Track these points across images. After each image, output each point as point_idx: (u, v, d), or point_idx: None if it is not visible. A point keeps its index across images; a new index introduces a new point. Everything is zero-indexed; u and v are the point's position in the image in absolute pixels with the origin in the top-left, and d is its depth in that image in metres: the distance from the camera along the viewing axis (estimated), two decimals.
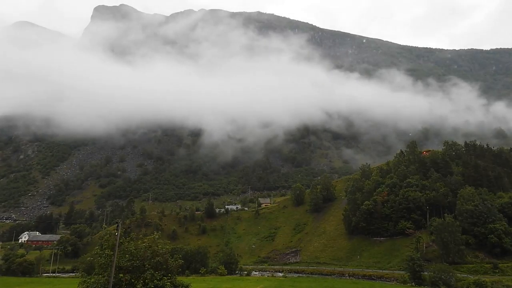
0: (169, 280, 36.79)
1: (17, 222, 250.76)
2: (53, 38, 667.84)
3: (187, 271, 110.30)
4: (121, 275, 35.75)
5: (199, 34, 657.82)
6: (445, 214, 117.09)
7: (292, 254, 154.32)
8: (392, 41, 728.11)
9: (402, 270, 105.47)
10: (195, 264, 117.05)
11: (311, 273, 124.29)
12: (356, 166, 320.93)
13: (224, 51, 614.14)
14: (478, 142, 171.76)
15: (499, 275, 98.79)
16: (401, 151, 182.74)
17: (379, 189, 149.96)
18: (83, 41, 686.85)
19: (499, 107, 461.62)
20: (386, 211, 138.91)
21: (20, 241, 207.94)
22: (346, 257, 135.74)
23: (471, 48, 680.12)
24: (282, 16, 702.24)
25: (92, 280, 36.82)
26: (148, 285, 35.28)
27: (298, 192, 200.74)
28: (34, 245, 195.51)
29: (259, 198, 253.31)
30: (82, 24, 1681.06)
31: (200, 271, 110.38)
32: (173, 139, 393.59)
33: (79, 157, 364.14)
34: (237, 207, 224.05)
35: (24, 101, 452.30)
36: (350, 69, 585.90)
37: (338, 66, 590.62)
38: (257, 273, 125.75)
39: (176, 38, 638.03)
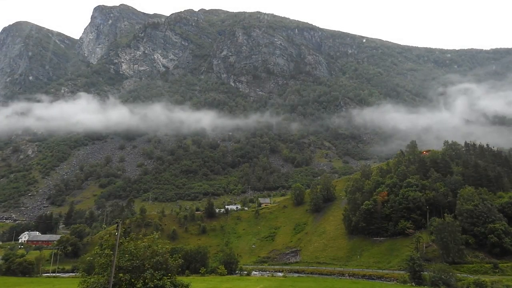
0: (169, 280, 36.78)
1: (17, 222, 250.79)
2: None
3: (187, 271, 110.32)
4: (121, 274, 35.73)
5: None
6: (445, 214, 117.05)
7: (292, 254, 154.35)
8: (392, 41, 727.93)
9: (402, 270, 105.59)
10: (195, 264, 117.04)
11: (311, 273, 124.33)
12: (356, 166, 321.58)
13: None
14: (478, 142, 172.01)
15: (499, 275, 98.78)
16: (401, 151, 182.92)
17: (379, 189, 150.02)
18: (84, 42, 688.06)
19: (499, 107, 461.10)
20: (386, 211, 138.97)
21: (20, 241, 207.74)
22: (346, 257, 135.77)
23: (471, 48, 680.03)
24: (282, 15, 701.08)
25: (92, 280, 36.80)
26: (148, 284, 35.27)
27: (298, 192, 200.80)
28: (34, 245, 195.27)
29: (259, 198, 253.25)
30: (82, 24, 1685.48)
31: (200, 271, 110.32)
32: (173, 139, 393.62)
33: (79, 157, 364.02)
34: (237, 207, 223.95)
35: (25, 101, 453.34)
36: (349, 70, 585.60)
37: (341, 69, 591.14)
38: (257, 273, 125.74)
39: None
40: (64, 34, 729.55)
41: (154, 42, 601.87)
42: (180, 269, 58.48)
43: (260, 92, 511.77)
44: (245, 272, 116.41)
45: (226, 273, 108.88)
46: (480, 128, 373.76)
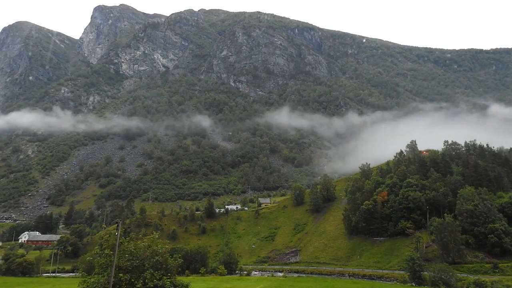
0: (168, 280, 36.72)
1: (17, 222, 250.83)
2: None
3: (187, 271, 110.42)
4: (121, 274, 35.69)
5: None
6: (445, 214, 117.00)
7: (292, 254, 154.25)
8: (392, 41, 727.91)
9: (402, 270, 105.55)
10: (195, 264, 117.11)
11: (311, 273, 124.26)
12: (356, 166, 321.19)
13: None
14: (478, 142, 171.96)
15: (499, 275, 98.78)
16: (401, 151, 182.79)
17: (379, 189, 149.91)
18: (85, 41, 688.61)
19: (499, 107, 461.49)
20: (386, 211, 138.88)
21: (20, 241, 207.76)
22: (346, 257, 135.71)
23: (471, 48, 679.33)
24: (282, 15, 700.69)
25: (92, 280, 36.74)
26: (147, 284, 35.21)
27: (298, 192, 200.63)
28: (34, 245, 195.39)
29: (259, 198, 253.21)
30: (82, 24, 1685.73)
31: (200, 271, 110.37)
32: (173, 139, 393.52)
33: (79, 157, 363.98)
34: (237, 207, 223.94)
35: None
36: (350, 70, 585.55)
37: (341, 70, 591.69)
38: (257, 273, 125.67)
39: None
40: (64, 34, 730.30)
41: (154, 42, 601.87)
42: (180, 269, 58.46)
43: (260, 92, 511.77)
44: (245, 272, 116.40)
45: (226, 273, 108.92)
46: (480, 128, 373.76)
